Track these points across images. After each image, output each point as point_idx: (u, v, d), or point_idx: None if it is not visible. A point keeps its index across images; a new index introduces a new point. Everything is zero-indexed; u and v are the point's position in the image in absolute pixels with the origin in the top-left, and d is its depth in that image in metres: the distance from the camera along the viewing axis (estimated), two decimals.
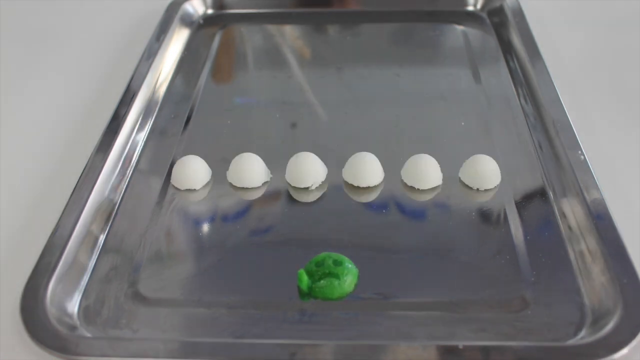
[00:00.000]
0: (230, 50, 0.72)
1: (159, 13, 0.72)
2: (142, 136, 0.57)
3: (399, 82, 0.64)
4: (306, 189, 0.51)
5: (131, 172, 0.53)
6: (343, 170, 0.52)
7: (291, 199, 0.51)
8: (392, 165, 0.53)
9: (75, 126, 0.59)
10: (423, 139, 0.56)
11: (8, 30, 0.75)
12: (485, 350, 0.38)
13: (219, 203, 0.51)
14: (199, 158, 0.52)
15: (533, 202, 0.49)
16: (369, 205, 0.50)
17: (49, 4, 0.80)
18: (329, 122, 0.60)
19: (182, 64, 0.67)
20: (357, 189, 0.51)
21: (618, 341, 0.38)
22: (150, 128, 0.58)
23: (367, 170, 0.51)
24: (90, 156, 0.52)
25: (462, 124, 0.57)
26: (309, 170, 0.51)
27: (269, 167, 0.53)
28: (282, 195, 0.51)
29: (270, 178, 0.52)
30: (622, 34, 0.70)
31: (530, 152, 0.54)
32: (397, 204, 0.50)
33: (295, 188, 0.51)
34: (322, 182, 0.51)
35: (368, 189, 0.51)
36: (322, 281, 0.42)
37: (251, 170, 0.51)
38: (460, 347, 0.38)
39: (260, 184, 0.51)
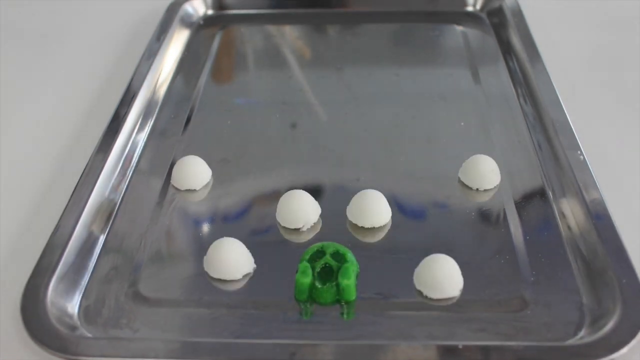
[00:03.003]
0: (231, 50, 0.72)
1: (159, 13, 0.72)
2: (143, 136, 0.57)
3: (399, 82, 0.64)
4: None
5: (131, 172, 0.53)
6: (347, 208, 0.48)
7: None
8: (392, 165, 0.53)
9: (75, 126, 0.59)
10: (423, 139, 0.56)
11: (8, 31, 0.75)
12: (485, 350, 0.38)
13: (219, 203, 0.51)
14: (199, 158, 0.52)
15: (532, 202, 0.49)
16: None
17: (49, 4, 0.80)
18: (329, 122, 0.59)
19: (182, 64, 0.67)
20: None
21: (618, 341, 0.38)
22: (151, 128, 0.58)
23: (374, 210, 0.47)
24: (91, 156, 0.52)
25: (462, 124, 0.58)
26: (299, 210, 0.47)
27: (268, 169, 0.53)
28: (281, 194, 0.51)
29: (254, 269, 0.45)
30: (621, 34, 0.70)
31: (530, 152, 0.54)
32: (397, 204, 0.50)
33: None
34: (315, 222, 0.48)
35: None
36: (325, 285, 0.42)
37: (231, 260, 0.44)
38: (460, 347, 0.38)
39: (241, 276, 0.44)
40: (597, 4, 0.75)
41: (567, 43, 0.68)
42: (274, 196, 0.50)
